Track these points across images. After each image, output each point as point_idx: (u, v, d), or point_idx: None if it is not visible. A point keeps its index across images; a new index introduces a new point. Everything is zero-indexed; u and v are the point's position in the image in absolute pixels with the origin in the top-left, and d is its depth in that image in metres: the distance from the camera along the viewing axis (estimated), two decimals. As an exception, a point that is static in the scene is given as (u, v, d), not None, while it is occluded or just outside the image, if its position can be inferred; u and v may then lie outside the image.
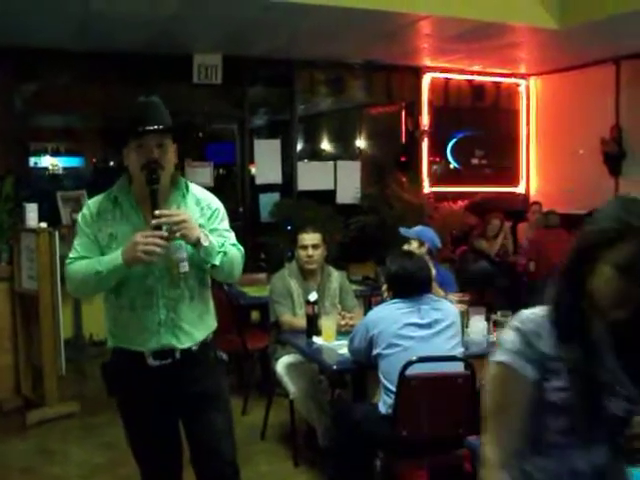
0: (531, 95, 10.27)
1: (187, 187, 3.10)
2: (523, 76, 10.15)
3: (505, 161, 10.32)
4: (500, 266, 8.88)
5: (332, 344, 4.57)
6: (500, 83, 10.13)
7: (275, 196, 8.85)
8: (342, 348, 4.39)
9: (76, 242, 3.03)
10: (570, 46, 8.07)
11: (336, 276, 5.35)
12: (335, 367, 4.26)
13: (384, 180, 9.18)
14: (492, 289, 8.71)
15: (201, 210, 3.07)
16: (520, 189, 10.40)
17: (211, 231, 3.02)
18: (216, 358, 3.21)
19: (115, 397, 3.17)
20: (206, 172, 8.72)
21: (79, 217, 3.07)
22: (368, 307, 5.24)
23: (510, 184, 10.34)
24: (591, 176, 9.18)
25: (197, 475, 3.19)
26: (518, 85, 10.24)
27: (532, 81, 10.23)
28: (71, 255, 3.01)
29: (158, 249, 2.79)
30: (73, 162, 10.60)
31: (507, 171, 10.33)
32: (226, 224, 3.14)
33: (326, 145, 10.55)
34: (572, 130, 9.50)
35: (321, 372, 4.99)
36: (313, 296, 4.82)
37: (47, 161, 10.18)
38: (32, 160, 9.05)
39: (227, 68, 8.34)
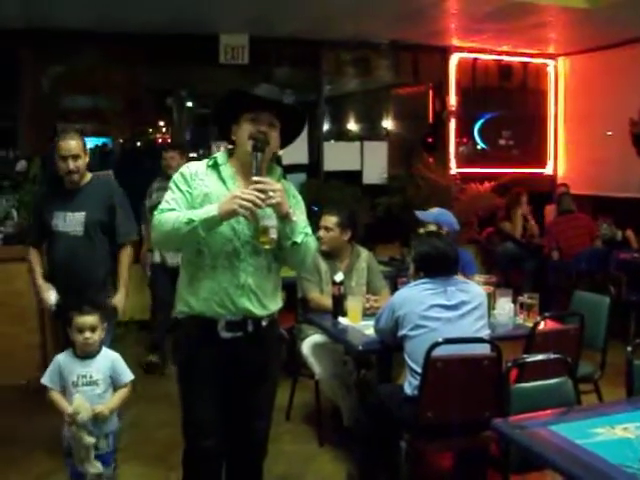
0: (559, 76, 10.14)
1: (280, 177, 3.27)
2: (552, 56, 10.01)
3: (533, 142, 10.21)
4: (526, 248, 8.82)
5: (358, 325, 4.57)
6: (528, 63, 10.01)
7: (301, 176, 8.82)
8: (368, 329, 4.38)
9: (168, 196, 3.16)
10: (600, 26, 7.93)
11: (364, 256, 5.34)
12: (361, 348, 4.25)
13: (411, 161, 9.14)
14: (518, 271, 8.67)
15: (288, 198, 3.18)
16: (548, 170, 10.29)
17: None
18: (279, 336, 3.44)
19: (177, 367, 3.35)
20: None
21: (175, 177, 3.20)
22: (394, 288, 5.22)
23: (538, 165, 10.24)
24: (619, 158, 9.06)
25: (229, 436, 3.29)
26: (547, 65, 10.12)
27: (561, 61, 10.09)
28: (161, 206, 3.13)
29: (252, 205, 2.87)
30: (100, 143, 10.62)
31: (535, 152, 10.23)
32: (305, 218, 3.30)
33: (353, 125, 10.48)
34: (601, 111, 9.35)
35: (346, 353, 4.99)
36: (339, 277, 4.81)
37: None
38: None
39: (253, 48, 8.32)
